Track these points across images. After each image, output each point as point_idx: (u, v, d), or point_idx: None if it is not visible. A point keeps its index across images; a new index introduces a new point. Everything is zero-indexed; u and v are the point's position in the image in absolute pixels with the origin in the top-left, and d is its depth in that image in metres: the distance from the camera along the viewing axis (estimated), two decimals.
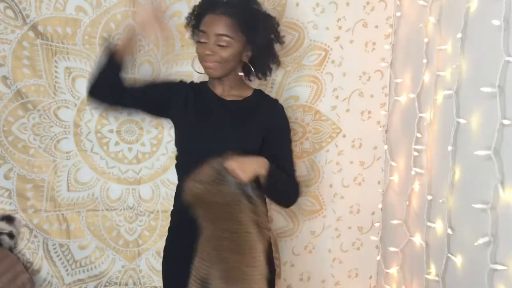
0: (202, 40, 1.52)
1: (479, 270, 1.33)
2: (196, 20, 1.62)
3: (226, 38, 1.50)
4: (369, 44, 2.02)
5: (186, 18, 1.68)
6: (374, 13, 1.99)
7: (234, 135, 1.56)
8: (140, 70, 1.93)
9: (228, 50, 1.52)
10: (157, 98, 1.65)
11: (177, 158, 1.66)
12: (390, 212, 2.04)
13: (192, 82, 1.73)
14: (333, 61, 2.01)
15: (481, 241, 1.31)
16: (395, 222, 1.89)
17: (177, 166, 1.66)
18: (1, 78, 1.86)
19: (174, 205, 1.69)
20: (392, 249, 1.93)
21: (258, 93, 1.70)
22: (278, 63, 1.69)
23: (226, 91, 1.63)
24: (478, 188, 1.36)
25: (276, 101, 1.71)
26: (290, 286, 2.17)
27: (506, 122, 1.24)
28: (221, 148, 1.43)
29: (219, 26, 1.50)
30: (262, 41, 1.57)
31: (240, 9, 1.53)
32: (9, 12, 1.82)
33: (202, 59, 1.55)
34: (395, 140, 2.00)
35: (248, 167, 1.41)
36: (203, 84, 1.70)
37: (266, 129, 1.59)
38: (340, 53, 2.00)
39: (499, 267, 1.27)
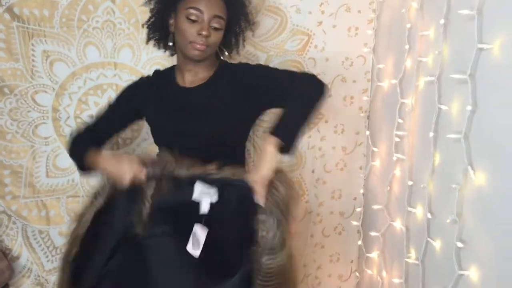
0: (194, 18, 1.43)
1: (450, 250, 1.36)
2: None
3: (221, 20, 1.46)
4: (352, 29, 2.01)
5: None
6: None
7: (215, 125, 1.48)
8: (120, 55, 1.90)
9: (220, 32, 1.48)
10: (126, 116, 1.64)
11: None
12: (371, 197, 2.06)
13: (154, 75, 1.64)
14: (315, 46, 2.00)
15: (449, 219, 1.34)
16: (376, 207, 1.91)
17: None
18: None
19: None
20: (373, 233, 1.95)
21: (223, 67, 1.57)
22: (244, 40, 1.65)
23: (196, 76, 1.54)
24: (455, 173, 1.37)
25: (238, 65, 1.60)
26: None
27: (469, 108, 1.27)
28: (200, 141, 1.44)
29: (216, 7, 1.44)
30: (241, 24, 1.57)
31: None
32: None
33: (193, 39, 1.43)
34: (377, 126, 2.01)
35: (267, 178, 1.28)
36: (168, 74, 1.61)
37: (244, 98, 1.49)
38: (323, 38, 1.99)
39: (459, 244, 1.31)
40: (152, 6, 1.56)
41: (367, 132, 2.07)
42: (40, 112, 1.89)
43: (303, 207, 2.14)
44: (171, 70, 1.62)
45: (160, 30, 1.56)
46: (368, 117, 2.08)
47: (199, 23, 1.43)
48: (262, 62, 1.98)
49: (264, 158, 1.30)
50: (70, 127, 1.92)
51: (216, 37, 1.47)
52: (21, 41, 1.83)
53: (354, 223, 2.15)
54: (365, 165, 2.12)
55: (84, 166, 1.51)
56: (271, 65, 1.96)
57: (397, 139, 1.77)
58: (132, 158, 1.39)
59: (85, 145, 1.53)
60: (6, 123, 1.87)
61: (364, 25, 2.01)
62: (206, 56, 1.49)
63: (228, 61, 1.63)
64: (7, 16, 1.80)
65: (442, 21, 1.43)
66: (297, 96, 1.40)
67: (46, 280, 2.01)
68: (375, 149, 2.01)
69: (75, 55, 1.87)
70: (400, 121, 1.75)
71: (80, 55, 1.87)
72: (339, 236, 2.19)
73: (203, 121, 1.48)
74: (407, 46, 1.70)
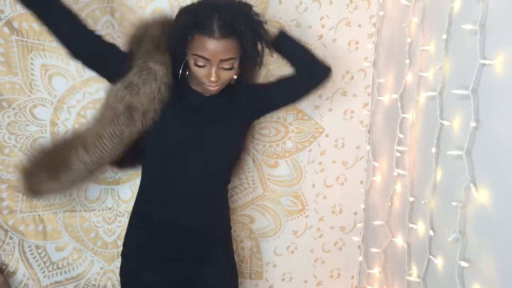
0: (201, 64, 1.38)
1: (453, 269, 1.34)
2: (182, 40, 1.43)
3: (231, 60, 1.39)
4: (352, 43, 2.00)
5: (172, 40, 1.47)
6: (358, 11, 1.97)
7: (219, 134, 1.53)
8: None
9: (233, 70, 1.43)
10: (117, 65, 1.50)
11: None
12: (372, 213, 2.03)
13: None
14: None
15: (451, 237, 1.31)
16: (377, 223, 1.88)
17: (147, 167, 1.62)
18: None
19: (138, 210, 1.66)
20: (374, 250, 1.92)
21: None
22: (261, 63, 1.57)
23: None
24: (457, 190, 1.35)
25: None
26: (272, 286, 2.15)
27: (473, 124, 1.26)
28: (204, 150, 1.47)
29: (224, 52, 1.36)
30: (259, 51, 1.50)
31: (237, 25, 1.36)
32: None
33: (203, 81, 1.43)
34: (378, 140, 1.99)
35: None
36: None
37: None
38: (323, 52, 1.97)
39: (463, 263, 1.29)
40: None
41: (368, 147, 2.05)
42: (39, 126, 1.87)
43: (303, 222, 2.11)
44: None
45: (174, 54, 1.50)
46: (369, 131, 2.06)
47: (207, 68, 1.40)
48: (262, 76, 1.93)
49: None
50: None
51: (228, 75, 1.43)
52: (20, 55, 1.81)
53: (355, 238, 2.12)
54: (366, 179, 2.10)
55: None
56: (271, 79, 1.91)
57: (398, 154, 1.75)
58: None
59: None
60: (4, 137, 1.85)
61: (365, 39, 2.00)
62: (220, 89, 1.49)
63: None
64: (6, 30, 1.78)
65: (444, 36, 1.42)
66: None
67: None
68: (375, 163, 1.99)
69: (74, 69, 1.85)
70: (401, 136, 1.73)
71: (79, 69, 1.85)
72: (339, 252, 2.16)
73: (214, 132, 1.51)
74: (407, 61, 1.69)
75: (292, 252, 2.13)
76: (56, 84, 1.85)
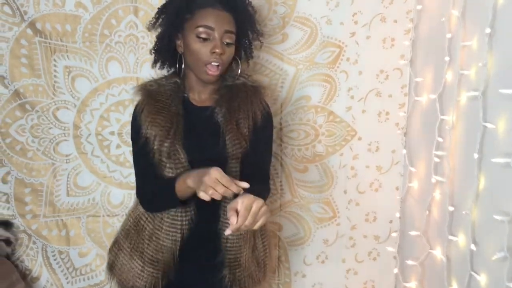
0: (205, 36, 1.34)
1: None
2: (186, 13, 1.38)
3: (232, 35, 1.38)
4: (387, 40, 1.88)
5: (170, 12, 1.41)
6: (393, 6, 1.86)
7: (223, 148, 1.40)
8: (142, 69, 1.84)
9: (232, 47, 1.40)
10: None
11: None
12: (408, 222, 1.91)
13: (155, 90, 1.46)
14: (348, 59, 1.89)
15: (497, 256, 1.18)
16: (414, 233, 1.75)
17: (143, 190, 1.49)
18: None
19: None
20: (410, 262, 1.79)
21: (224, 89, 1.47)
22: (251, 55, 1.54)
23: (208, 94, 1.47)
24: (504, 201, 1.22)
25: (263, 103, 1.48)
26: None
27: None
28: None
29: (226, 22, 1.36)
30: (249, 36, 1.50)
31: (236, 3, 1.41)
32: (7, 8, 1.74)
33: (207, 59, 1.35)
34: (415, 144, 1.86)
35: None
36: (175, 89, 1.46)
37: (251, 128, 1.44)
38: (356, 50, 1.88)
39: None
40: (157, 29, 1.48)
41: (404, 151, 1.93)
42: (61, 129, 1.85)
43: (334, 230, 2.01)
44: (175, 84, 1.47)
45: (167, 53, 1.47)
46: (405, 134, 1.94)
47: (211, 41, 1.35)
48: (290, 76, 1.89)
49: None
50: (91, 144, 1.87)
51: (229, 52, 1.39)
52: (43, 56, 1.79)
53: (390, 249, 1.99)
54: (402, 186, 1.97)
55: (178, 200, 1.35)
56: (300, 79, 1.89)
57: (436, 160, 1.62)
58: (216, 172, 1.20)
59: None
60: (28, 140, 1.83)
61: (401, 36, 1.88)
62: (219, 77, 1.42)
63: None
64: (29, 31, 1.77)
65: (487, 30, 1.29)
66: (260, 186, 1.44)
67: None
68: (412, 169, 1.86)
69: (97, 70, 1.82)
70: (440, 139, 1.60)
71: (102, 71, 1.82)
72: (373, 262, 2.05)
73: (224, 145, 1.38)
74: (447, 58, 1.56)
75: (323, 262, 2.03)
76: (79, 86, 1.83)
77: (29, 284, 1.90)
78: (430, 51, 1.75)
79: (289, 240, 2.01)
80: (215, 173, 1.16)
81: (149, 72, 1.80)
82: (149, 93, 1.44)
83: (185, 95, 1.47)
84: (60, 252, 1.91)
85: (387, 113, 1.95)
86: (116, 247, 1.53)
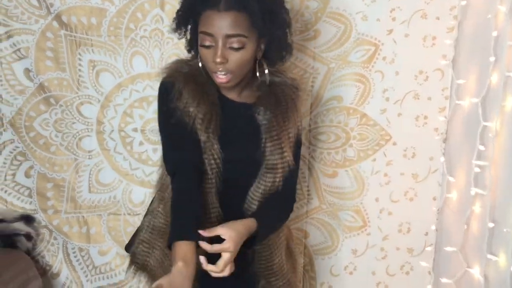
0: (207, 44, 1.19)
1: None
2: (190, 18, 1.25)
3: (240, 38, 1.17)
4: (428, 39, 1.77)
5: (175, 19, 1.27)
6: (435, 2, 1.74)
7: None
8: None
9: (243, 52, 1.19)
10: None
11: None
12: (445, 235, 1.79)
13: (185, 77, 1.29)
14: (384, 58, 1.78)
15: None
16: (450, 249, 1.62)
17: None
18: (24, 70, 1.77)
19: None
20: (445, 280, 1.66)
21: (266, 87, 1.32)
22: (291, 52, 1.33)
23: (238, 90, 1.32)
24: None
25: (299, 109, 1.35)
26: None
27: None
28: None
29: (228, 25, 1.16)
30: (277, 31, 1.26)
31: None
32: (33, 1, 1.73)
33: (211, 67, 1.22)
34: (455, 152, 1.75)
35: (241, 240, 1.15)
36: (204, 81, 1.30)
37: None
38: (393, 49, 1.77)
39: None
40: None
41: (442, 159, 1.81)
42: (85, 124, 1.82)
43: (364, 240, 1.90)
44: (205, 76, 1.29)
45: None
46: (445, 141, 1.82)
47: (214, 48, 1.18)
48: (322, 75, 1.80)
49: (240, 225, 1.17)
50: (114, 141, 1.84)
51: (237, 58, 1.18)
52: (68, 50, 1.77)
53: (424, 264, 1.86)
54: (439, 196, 1.85)
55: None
56: (332, 78, 1.80)
57: (477, 170, 1.49)
58: None
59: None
60: (51, 135, 1.82)
61: (443, 34, 1.76)
62: (238, 80, 1.25)
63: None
64: (55, 24, 1.75)
65: None
66: (284, 204, 1.35)
67: None
68: (451, 178, 1.73)
69: (121, 65, 1.79)
70: (482, 148, 1.47)
71: (126, 66, 1.79)
72: (406, 277, 1.93)
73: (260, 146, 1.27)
74: (492, 58, 1.44)
75: (351, 273, 1.94)
76: (103, 81, 1.81)
77: (49, 280, 1.88)
78: (474, 51, 1.64)
79: (316, 248, 1.93)
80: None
81: None
82: (186, 75, 1.28)
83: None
84: (81, 250, 1.89)
85: (426, 117, 1.84)
86: (145, 246, 1.42)
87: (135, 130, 1.83)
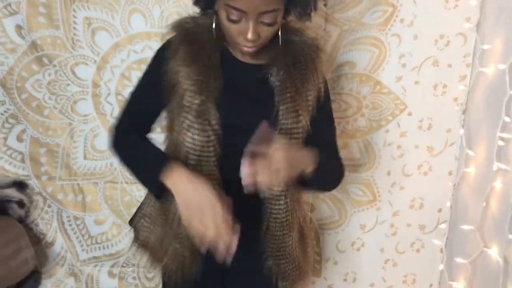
0: (235, 18, 1.08)
1: None
2: None
3: (274, 13, 1.08)
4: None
5: None
6: None
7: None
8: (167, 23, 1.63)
9: (275, 26, 1.11)
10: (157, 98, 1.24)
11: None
12: (461, 213, 1.71)
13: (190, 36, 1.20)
14: (402, 20, 1.66)
15: None
16: (466, 227, 1.52)
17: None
18: (15, 27, 1.65)
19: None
20: (459, 260, 1.57)
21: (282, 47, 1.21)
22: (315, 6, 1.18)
23: (250, 56, 1.22)
24: None
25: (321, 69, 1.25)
26: (331, 286, 1.92)
27: None
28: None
29: (262, 3, 1.05)
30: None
31: None
32: None
33: (237, 40, 1.13)
34: (476, 123, 1.65)
35: (295, 165, 1.09)
36: (210, 39, 1.20)
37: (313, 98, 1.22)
38: (412, 10, 1.65)
39: None
40: None
41: (462, 131, 1.71)
42: (80, 86, 1.72)
43: (373, 216, 1.83)
44: (211, 33, 1.20)
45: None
46: (464, 112, 1.72)
47: (243, 23, 1.08)
48: (334, 38, 1.67)
49: (302, 151, 1.14)
50: (111, 105, 1.74)
51: (268, 32, 1.11)
52: (62, 5, 1.65)
53: (437, 242, 1.77)
54: (456, 170, 1.76)
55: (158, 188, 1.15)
56: (345, 42, 1.68)
57: (501, 143, 1.39)
58: (217, 208, 1.05)
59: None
60: (44, 97, 1.72)
61: None
62: (259, 49, 1.16)
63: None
64: None
65: None
66: (335, 169, 1.34)
67: (80, 271, 1.86)
68: (470, 152, 1.64)
69: (119, 23, 1.67)
70: (507, 119, 1.36)
71: (124, 24, 1.67)
72: (416, 254, 1.87)
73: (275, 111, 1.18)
74: None
75: (358, 250, 1.89)
76: (99, 40, 1.70)
77: (43, 249, 1.82)
78: (502, 13, 1.52)
79: (322, 223, 1.86)
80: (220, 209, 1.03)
81: None
82: (186, 33, 1.20)
83: (225, 43, 1.21)
84: (76, 218, 1.82)
85: (445, 86, 1.73)
86: (147, 221, 1.34)
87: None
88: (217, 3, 1.11)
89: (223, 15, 1.09)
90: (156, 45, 1.64)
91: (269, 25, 1.08)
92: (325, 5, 1.22)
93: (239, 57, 1.21)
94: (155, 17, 1.66)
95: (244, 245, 1.09)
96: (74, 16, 1.66)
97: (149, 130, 1.32)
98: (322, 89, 1.22)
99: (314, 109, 1.20)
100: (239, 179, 1.05)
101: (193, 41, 1.17)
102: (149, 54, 1.63)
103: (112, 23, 1.67)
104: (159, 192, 1.15)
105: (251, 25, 1.06)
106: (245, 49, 1.12)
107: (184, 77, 1.15)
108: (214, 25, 1.17)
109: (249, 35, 1.07)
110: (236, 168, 1.07)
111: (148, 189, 1.24)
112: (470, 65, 1.69)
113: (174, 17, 1.60)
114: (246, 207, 1.11)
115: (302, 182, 1.18)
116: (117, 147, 1.25)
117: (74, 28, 1.67)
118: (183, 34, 1.19)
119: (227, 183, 1.16)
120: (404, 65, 1.70)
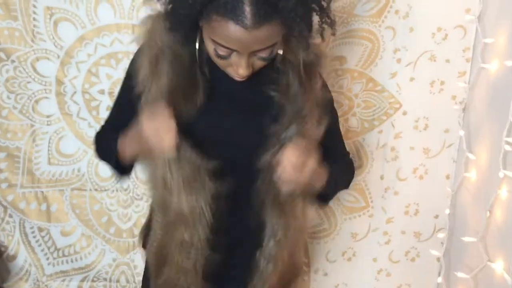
0: (224, 54, 0.93)
1: None
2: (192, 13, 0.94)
3: (271, 49, 0.95)
4: None
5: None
6: None
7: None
8: (140, 15, 1.53)
9: (270, 59, 0.98)
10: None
11: None
12: (460, 221, 1.61)
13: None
14: (396, 12, 1.57)
15: None
16: (468, 239, 1.42)
17: None
18: None
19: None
20: (460, 274, 1.46)
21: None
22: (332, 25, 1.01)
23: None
24: None
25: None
26: None
27: None
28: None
29: (258, 42, 0.92)
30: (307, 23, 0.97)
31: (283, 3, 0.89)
32: None
33: (227, 72, 1.00)
34: (477, 124, 1.55)
35: (306, 170, 0.99)
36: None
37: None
38: (408, 1, 1.56)
39: None
40: None
41: (461, 132, 1.61)
42: (42, 84, 1.60)
43: (366, 223, 1.76)
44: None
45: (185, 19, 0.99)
46: (464, 110, 1.63)
47: (233, 57, 0.94)
48: None
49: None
50: (77, 104, 1.61)
51: (262, 64, 0.98)
52: None
53: (434, 252, 1.68)
54: (454, 174, 1.68)
55: (121, 165, 1.13)
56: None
57: (507, 148, 1.28)
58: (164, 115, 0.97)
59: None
60: (2, 96, 1.59)
61: None
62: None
63: None
64: None
65: None
66: (344, 171, 1.25)
67: (46, 286, 1.75)
68: (471, 155, 1.54)
69: (84, 14, 1.55)
70: None
71: (90, 15, 1.55)
72: (411, 264, 1.81)
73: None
74: None
75: (349, 260, 1.83)
76: (62, 32, 1.58)
77: (5, 262, 1.71)
78: (506, 3, 1.41)
79: (310, 231, 1.78)
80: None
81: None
82: (160, 34, 1.03)
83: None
84: (40, 229, 1.70)
85: (442, 83, 1.65)
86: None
87: (101, 92, 1.61)
88: (202, 33, 0.96)
89: (210, 48, 0.94)
90: (127, 38, 1.56)
91: (265, 59, 0.95)
92: (333, 34, 1.07)
93: None
94: (125, 7, 1.54)
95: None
96: (34, 6, 1.54)
97: None
98: (325, 96, 1.10)
99: (321, 124, 1.08)
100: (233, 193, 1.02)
101: (174, 53, 1.03)
102: (119, 48, 1.56)
103: (76, 14, 1.55)
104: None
105: (243, 62, 0.92)
106: (236, 77, 0.98)
107: (158, 89, 1.02)
108: (197, 48, 1.01)
109: (241, 71, 0.93)
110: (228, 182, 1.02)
111: (116, 171, 1.17)
112: (470, 60, 1.61)
113: (146, 8, 1.50)
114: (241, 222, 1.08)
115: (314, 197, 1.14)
116: (96, 150, 1.23)
117: (34, 19, 1.55)
118: (155, 34, 1.03)
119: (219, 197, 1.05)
120: (398, 60, 1.63)
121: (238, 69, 0.95)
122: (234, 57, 0.94)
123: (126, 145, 1.07)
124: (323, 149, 1.09)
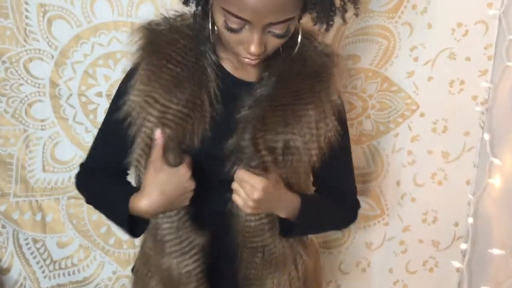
0: (235, 27, 0.87)
1: None
2: None
3: (287, 23, 0.88)
4: None
5: None
6: None
7: None
8: (139, 12, 1.49)
9: (286, 37, 0.91)
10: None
11: None
12: (484, 231, 1.58)
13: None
14: (414, 7, 1.54)
15: None
16: (495, 251, 1.34)
17: None
18: None
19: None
20: None
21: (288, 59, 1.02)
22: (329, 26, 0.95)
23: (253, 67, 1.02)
24: None
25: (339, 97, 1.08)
26: None
27: None
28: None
29: (273, 11, 0.85)
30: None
31: None
32: None
33: (238, 52, 0.94)
34: (502, 126, 1.53)
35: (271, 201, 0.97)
36: (201, 51, 1.01)
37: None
38: None
39: None
40: None
41: (485, 135, 1.57)
42: (35, 86, 1.53)
43: (381, 232, 1.73)
44: (201, 44, 1.01)
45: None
46: (487, 112, 1.59)
47: (245, 32, 0.88)
48: (334, 29, 1.46)
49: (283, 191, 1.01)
50: (73, 108, 1.55)
51: (277, 43, 0.91)
52: None
53: (456, 264, 1.64)
54: (476, 180, 1.65)
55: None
56: (347, 32, 1.54)
57: None
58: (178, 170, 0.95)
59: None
60: None
61: None
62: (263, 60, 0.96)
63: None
64: None
65: None
66: (340, 209, 1.16)
67: None
68: (495, 160, 1.51)
69: (80, 11, 1.48)
70: None
71: (86, 12, 1.48)
72: (429, 274, 1.78)
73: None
74: None
75: (364, 270, 1.80)
76: (57, 31, 1.51)
77: None
78: None
79: (322, 241, 1.75)
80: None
81: (149, 16, 1.46)
82: (154, 39, 0.99)
83: (210, 54, 1.00)
84: (35, 240, 1.64)
85: (462, 82, 1.62)
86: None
87: (99, 94, 1.55)
88: (212, 3, 0.89)
89: (219, 20, 0.87)
90: (125, 37, 1.49)
91: (280, 36, 0.87)
92: (356, 14, 0.98)
93: (230, 69, 1.01)
94: (124, 4, 1.49)
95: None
96: (26, 3, 1.48)
97: (123, 169, 1.15)
98: (337, 113, 1.02)
99: (325, 140, 1.00)
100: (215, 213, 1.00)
101: (163, 52, 0.98)
102: (118, 48, 1.50)
103: (72, 11, 1.49)
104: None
105: (255, 37, 0.85)
106: (247, 61, 0.91)
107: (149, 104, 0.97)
108: (210, 27, 0.94)
109: (252, 48, 0.86)
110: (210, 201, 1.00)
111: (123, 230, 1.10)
112: (492, 58, 1.58)
113: (146, 4, 1.45)
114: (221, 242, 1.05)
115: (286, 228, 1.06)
116: (79, 187, 1.21)
117: (27, 17, 1.49)
118: (149, 42, 0.98)
119: (200, 216, 1.02)
120: (416, 59, 1.60)
121: (250, 46, 0.88)
122: (245, 32, 0.87)
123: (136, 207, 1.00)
124: (322, 176, 1.09)
